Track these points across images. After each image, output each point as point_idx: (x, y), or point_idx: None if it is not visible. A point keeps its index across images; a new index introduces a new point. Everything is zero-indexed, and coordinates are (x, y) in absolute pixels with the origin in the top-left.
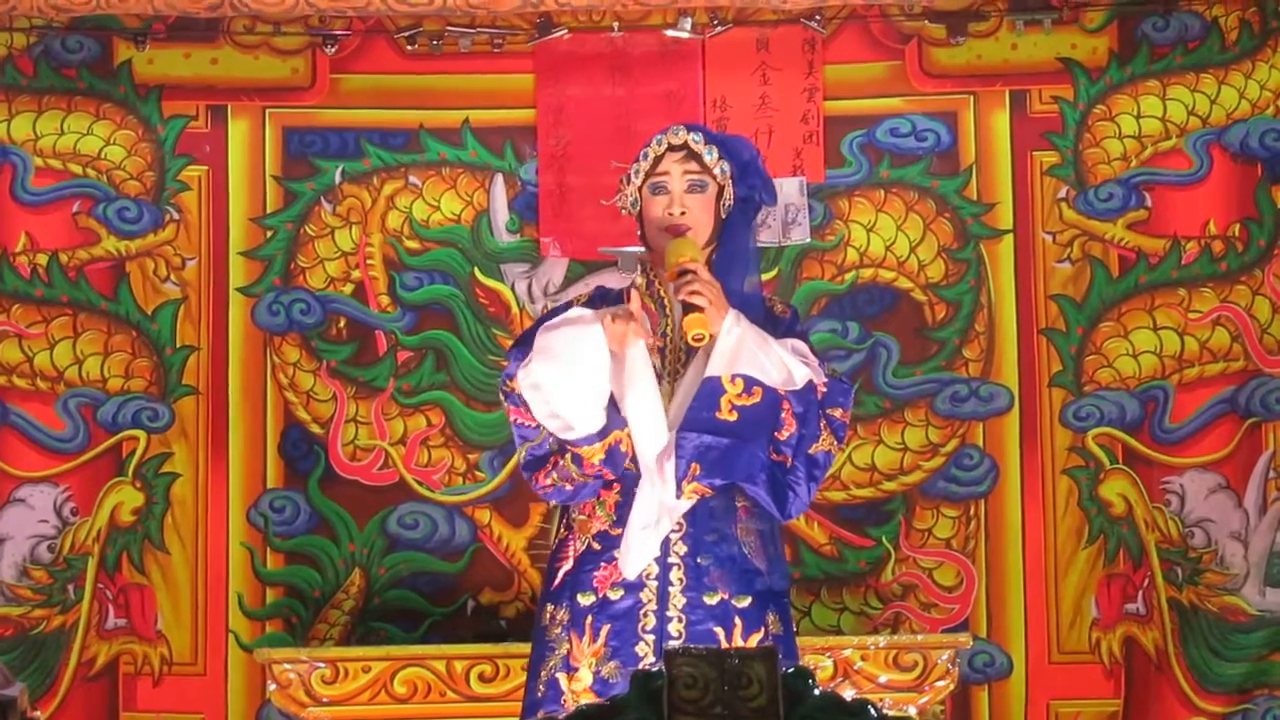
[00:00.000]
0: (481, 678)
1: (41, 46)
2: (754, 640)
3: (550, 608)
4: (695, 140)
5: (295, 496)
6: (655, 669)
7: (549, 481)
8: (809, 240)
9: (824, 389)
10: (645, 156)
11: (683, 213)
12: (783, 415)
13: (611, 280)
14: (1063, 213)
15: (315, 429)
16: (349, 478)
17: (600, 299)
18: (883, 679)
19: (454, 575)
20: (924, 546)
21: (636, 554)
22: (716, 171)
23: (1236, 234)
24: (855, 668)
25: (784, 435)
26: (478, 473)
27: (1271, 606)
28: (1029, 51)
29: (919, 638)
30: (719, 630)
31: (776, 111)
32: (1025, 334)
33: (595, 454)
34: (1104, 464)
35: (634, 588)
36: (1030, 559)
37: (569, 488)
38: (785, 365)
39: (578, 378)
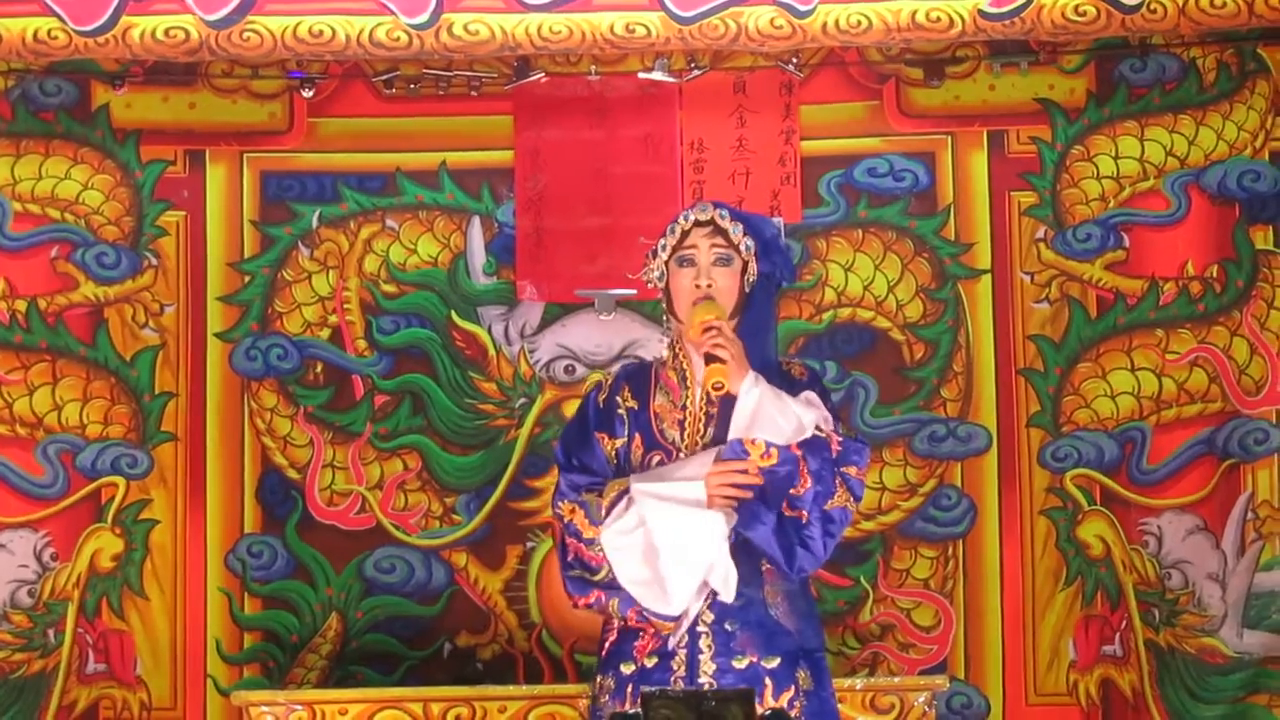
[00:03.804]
0: None
1: (19, 90)
2: (784, 699)
3: (599, 678)
4: (721, 216)
5: (273, 541)
6: (633, 712)
7: (586, 604)
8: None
9: (839, 447)
10: (672, 231)
11: (710, 284)
12: (799, 472)
13: (588, 324)
14: (1040, 253)
15: (292, 474)
16: (326, 522)
17: (627, 378)
18: None
19: (431, 618)
20: (902, 586)
21: (681, 587)
22: (742, 247)
23: (1214, 275)
24: None
25: (800, 491)
26: (454, 516)
27: (1249, 648)
28: (1007, 92)
29: (896, 680)
30: None
31: (753, 154)
32: (1003, 374)
33: (665, 627)
34: (1082, 505)
35: (667, 656)
36: (1008, 600)
37: (600, 615)
38: (797, 417)
39: (695, 562)
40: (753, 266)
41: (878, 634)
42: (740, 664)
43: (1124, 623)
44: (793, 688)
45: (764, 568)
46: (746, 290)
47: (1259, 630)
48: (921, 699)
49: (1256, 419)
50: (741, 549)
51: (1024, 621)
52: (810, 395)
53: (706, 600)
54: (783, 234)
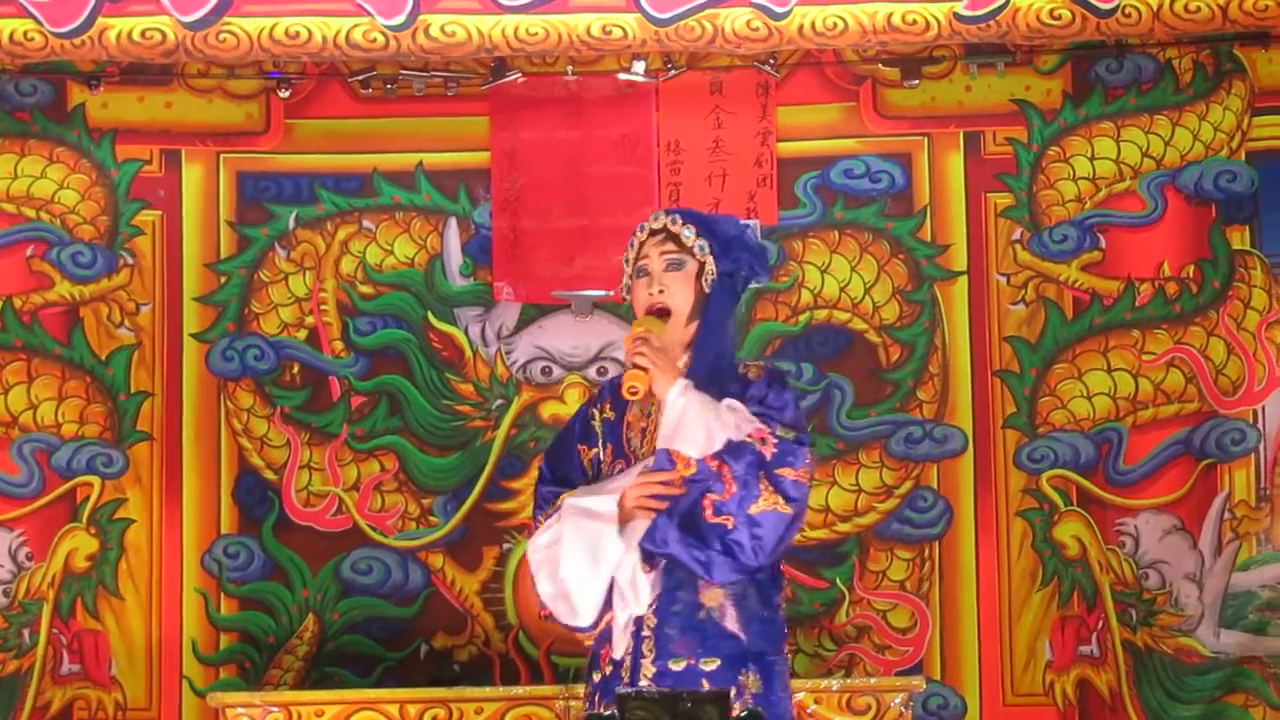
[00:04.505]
0: None
1: None
2: None
3: (585, 684)
4: (673, 222)
5: (249, 542)
6: (609, 714)
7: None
8: (763, 282)
9: (774, 449)
10: (631, 246)
11: (661, 291)
12: (723, 479)
13: (565, 325)
14: (1017, 254)
15: (269, 475)
16: (303, 524)
17: (611, 389)
18: None
19: (407, 620)
20: (878, 588)
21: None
22: (695, 249)
23: (1191, 275)
24: (809, 711)
25: (725, 497)
26: (431, 517)
27: (1226, 648)
28: (983, 93)
29: (872, 680)
30: None
31: (730, 155)
32: (979, 376)
33: (588, 639)
34: (1058, 506)
35: (618, 664)
36: (984, 601)
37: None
38: (710, 428)
39: (601, 576)
40: (710, 267)
41: (854, 635)
42: (677, 666)
43: (1101, 623)
44: (733, 689)
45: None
46: (707, 291)
47: (1236, 630)
48: (898, 700)
49: (1233, 419)
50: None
51: (1000, 622)
52: (732, 403)
53: (652, 606)
54: (758, 233)
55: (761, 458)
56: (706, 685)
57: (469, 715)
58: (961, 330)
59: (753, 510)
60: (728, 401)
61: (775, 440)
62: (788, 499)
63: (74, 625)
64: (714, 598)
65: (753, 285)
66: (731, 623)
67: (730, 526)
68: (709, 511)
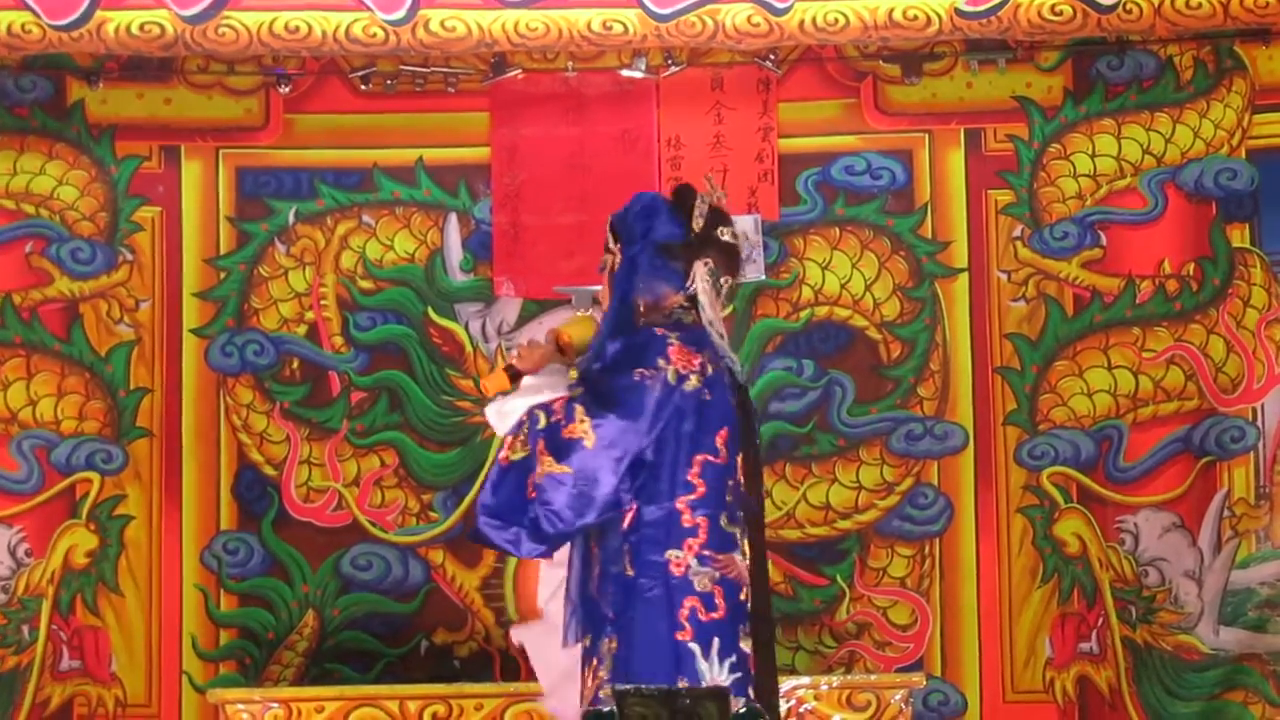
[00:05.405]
0: (435, 718)
1: None
2: (590, 672)
3: None
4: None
5: (249, 538)
6: (608, 710)
7: None
8: (764, 278)
9: (558, 415)
10: None
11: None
12: (534, 453)
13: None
14: (1018, 251)
15: (269, 471)
16: (302, 519)
17: None
18: (836, 718)
19: (407, 616)
20: (878, 585)
21: None
22: (609, 244)
23: (1191, 273)
24: (808, 707)
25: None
26: (431, 513)
27: (1225, 645)
28: (984, 90)
29: (872, 677)
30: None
31: (731, 150)
32: (980, 372)
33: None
34: (1058, 503)
35: None
36: (985, 598)
37: None
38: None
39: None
40: (618, 259)
41: (854, 632)
42: (578, 650)
43: (1100, 620)
44: (595, 659)
45: (593, 551)
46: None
47: (1235, 627)
48: (898, 696)
49: (1233, 416)
50: (578, 543)
51: (1001, 619)
52: (529, 380)
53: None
54: (759, 228)
55: (552, 426)
56: (595, 662)
57: (469, 711)
58: (962, 327)
59: (536, 479)
60: (527, 379)
61: (564, 402)
62: (560, 458)
63: (74, 621)
64: (594, 573)
65: (751, 280)
66: (600, 594)
67: (533, 499)
68: (530, 489)
